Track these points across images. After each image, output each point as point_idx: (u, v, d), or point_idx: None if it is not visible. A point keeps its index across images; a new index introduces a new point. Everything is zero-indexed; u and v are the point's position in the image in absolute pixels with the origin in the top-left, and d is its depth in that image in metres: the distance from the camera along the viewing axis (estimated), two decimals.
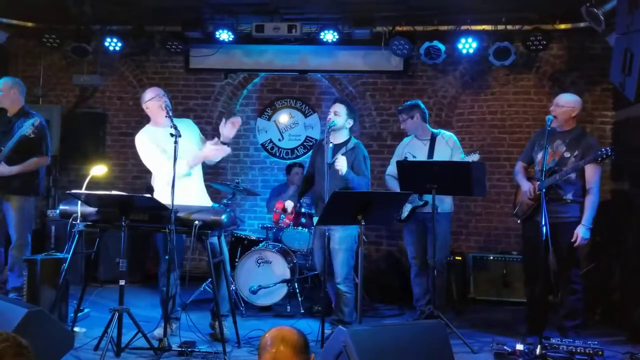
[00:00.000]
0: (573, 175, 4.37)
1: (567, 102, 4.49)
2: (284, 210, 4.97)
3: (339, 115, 4.56)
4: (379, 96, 7.02)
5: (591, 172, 4.38)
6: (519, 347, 4.01)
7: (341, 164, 4.39)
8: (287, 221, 5.49)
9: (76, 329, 4.27)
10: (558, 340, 4.02)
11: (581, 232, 4.34)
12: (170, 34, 6.68)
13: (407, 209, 4.90)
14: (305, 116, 7.22)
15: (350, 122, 4.64)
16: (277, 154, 7.25)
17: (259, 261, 5.38)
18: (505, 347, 4.10)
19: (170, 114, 4.13)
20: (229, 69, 7.12)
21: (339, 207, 3.90)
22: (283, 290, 5.32)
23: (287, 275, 5.30)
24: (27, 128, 4.68)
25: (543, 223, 3.99)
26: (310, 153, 7.07)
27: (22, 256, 4.93)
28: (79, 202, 4.06)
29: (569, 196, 4.41)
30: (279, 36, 6.45)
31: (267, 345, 2.03)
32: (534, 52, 6.24)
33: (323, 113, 7.13)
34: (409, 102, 5.17)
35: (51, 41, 6.68)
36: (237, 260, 5.52)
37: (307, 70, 7.08)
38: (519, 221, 4.74)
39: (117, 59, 7.15)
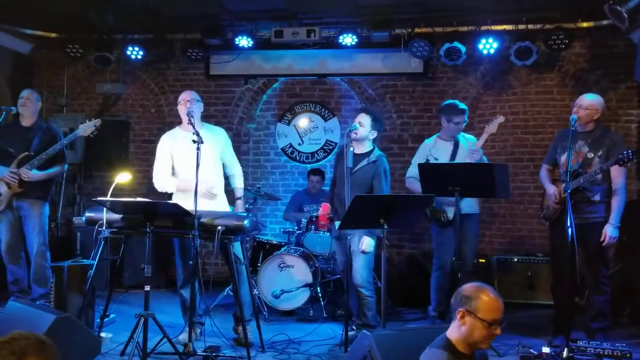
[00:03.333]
0: (599, 176, 4.31)
1: (590, 104, 4.42)
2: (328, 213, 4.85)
3: (363, 125, 4.51)
4: (399, 98, 7.00)
5: (616, 173, 4.31)
6: (546, 349, 3.96)
7: (366, 244, 4.39)
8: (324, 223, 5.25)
9: (103, 334, 4.33)
10: (585, 343, 3.97)
11: (609, 231, 4.27)
12: (191, 41, 6.76)
13: (451, 211, 4.82)
14: (325, 120, 7.23)
15: (374, 134, 4.58)
16: (298, 158, 7.27)
17: (281, 265, 5.39)
18: (531, 350, 4.04)
19: (193, 121, 4.18)
20: (249, 74, 7.16)
21: (360, 211, 3.89)
22: (305, 294, 5.33)
23: (310, 279, 5.30)
24: (82, 130, 4.94)
25: (568, 225, 3.93)
26: (330, 157, 7.14)
27: (44, 262, 5.02)
28: (105, 209, 4.12)
29: (597, 197, 4.35)
30: (298, 41, 6.47)
31: (478, 290, 2.36)
32: (556, 51, 6.16)
33: (343, 117, 7.14)
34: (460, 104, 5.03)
35: (74, 51, 6.80)
36: (259, 264, 5.55)
37: (326, 74, 7.09)
38: (547, 224, 4.68)
39: (139, 67, 7.25)
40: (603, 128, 4.52)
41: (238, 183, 4.70)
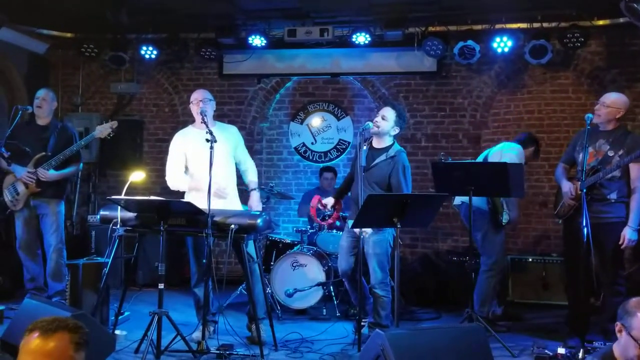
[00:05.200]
0: (617, 174, 4.25)
1: (613, 102, 4.36)
2: (324, 206, 4.78)
3: (387, 119, 4.42)
4: (413, 98, 6.97)
5: (636, 171, 4.24)
6: (561, 350, 3.92)
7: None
8: (334, 218, 5.08)
9: (117, 332, 4.36)
10: (601, 344, 3.92)
11: (628, 234, 4.20)
12: (204, 40, 6.79)
13: (506, 217, 4.86)
14: (338, 119, 7.22)
15: (397, 130, 4.48)
16: (310, 158, 7.27)
17: (294, 264, 5.39)
18: (546, 351, 4.00)
19: (206, 120, 4.19)
20: (262, 73, 7.18)
21: (374, 210, 3.87)
22: (318, 293, 5.32)
23: (322, 278, 5.30)
24: (98, 132, 4.98)
25: (584, 224, 3.89)
26: (343, 156, 7.13)
27: (61, 259, 5.09)
28: (119, 207, 4.15)
29: (613, 195, 4.29)
30: (311, 40, 6.47)
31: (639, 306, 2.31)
32: (571, 50, 6.11)
33: (356, 116, 7.13)
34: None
35: (89, 51, 6.86)
36: (272, 263, 5.56)
37: (339, 73, 7.08)
38: (560, 222, 4.64)
39: (153, 66, 7.29)
40: (624, 128, 4.48)
41: (251, 176, 4.64)
